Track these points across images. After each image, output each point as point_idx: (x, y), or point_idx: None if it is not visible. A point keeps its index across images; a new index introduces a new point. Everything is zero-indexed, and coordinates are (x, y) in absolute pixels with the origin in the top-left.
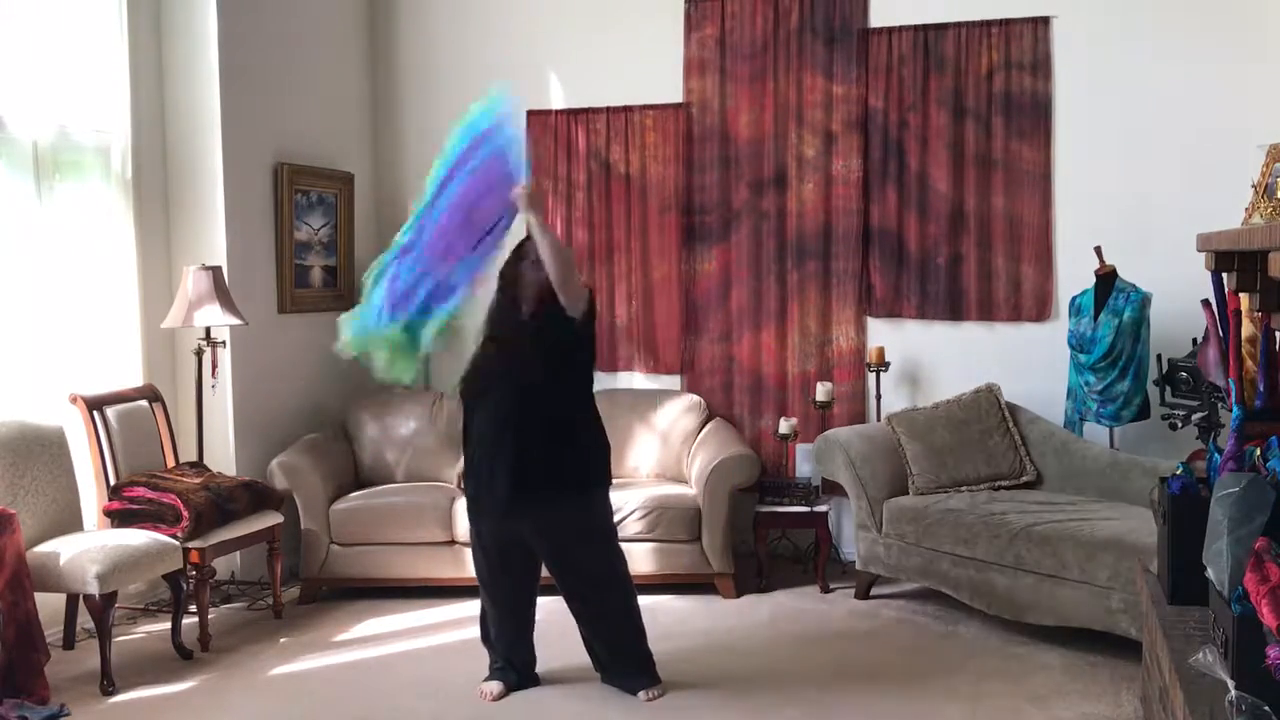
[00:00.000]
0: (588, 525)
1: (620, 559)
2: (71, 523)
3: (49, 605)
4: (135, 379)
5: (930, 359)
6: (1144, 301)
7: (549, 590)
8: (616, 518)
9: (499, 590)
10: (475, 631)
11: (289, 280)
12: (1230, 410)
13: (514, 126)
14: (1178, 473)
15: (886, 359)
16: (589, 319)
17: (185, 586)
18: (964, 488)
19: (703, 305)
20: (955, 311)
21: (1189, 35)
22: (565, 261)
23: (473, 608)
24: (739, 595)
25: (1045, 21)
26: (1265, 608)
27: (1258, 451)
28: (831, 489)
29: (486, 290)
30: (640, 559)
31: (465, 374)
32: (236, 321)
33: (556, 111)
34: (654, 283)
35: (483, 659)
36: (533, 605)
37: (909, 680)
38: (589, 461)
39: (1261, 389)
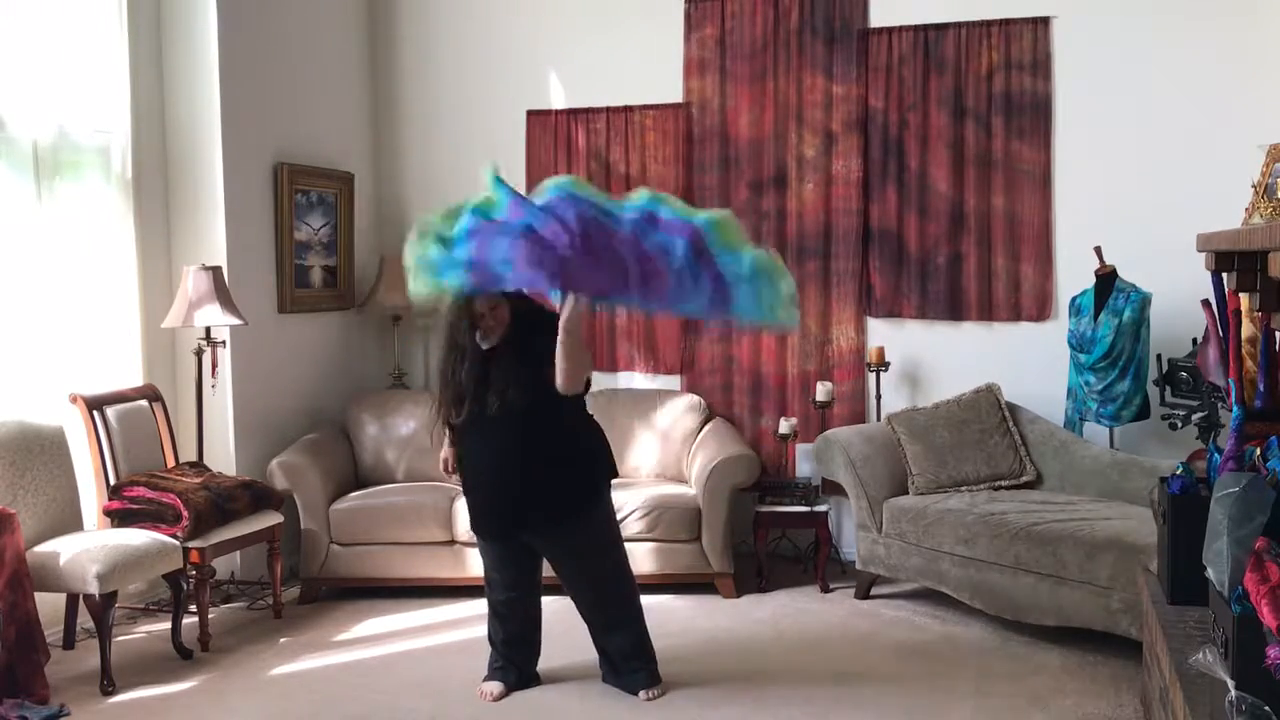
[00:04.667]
0: (595, 531)
1: (625, 559)
2: (71, 523)
3: (49, 605)
4: (135, 379)
5: (930, 359)
6: (1144, 301)
7: (550, 590)
8: (617, 518)
9: (506, 591)
10: (475, 631)
11: (289, 280)
12: (1230, 410)
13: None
14: (1178, 473)
15: (886, 359)
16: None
17: (185, 586)
18: (964, 488)
19: None
20: (955, 311)
21: (1189, 35)
22: (579, 369)
23: (472, 607)
24: (739, 595)
25: (1045, 21)
26: (1265, 608)
27: (1258, 451)
28: (831, 489)
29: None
30: (640, 559)
31: (455, 418)
32: (236, 321)
33: (556, 111)
34: None
35: (483, 659)
36: (538, 604)
37: (909, 680)
38: (592, 472)
39: (1261, 389)
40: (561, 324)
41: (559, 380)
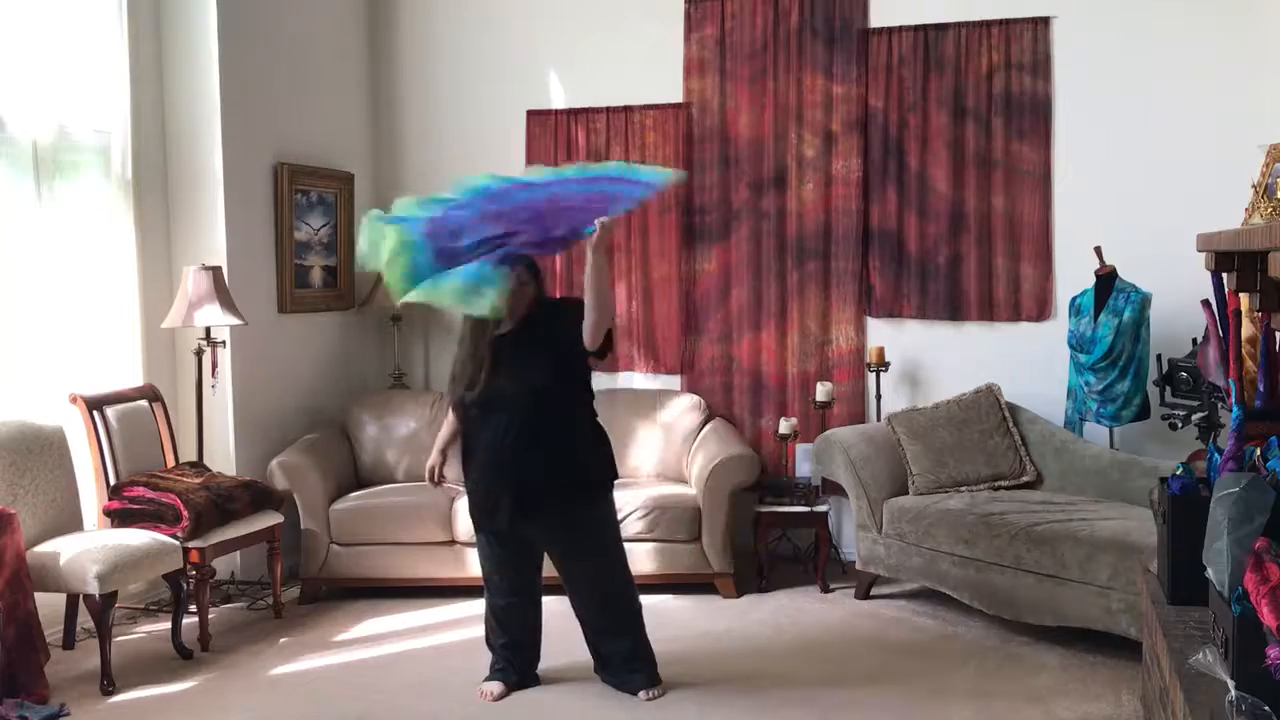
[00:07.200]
0: (596, 528)
1: (624, 558)
2: (71, 523)
3: (49, 605)
4: (135, 379)
5: (930, 359)
6: (1144, 301)
7: (550, 590)
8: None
9: (507, 596)
10: (475, 631)
11: (289, 280)
12: (1230, 410)
13: (650, 190)
14: (1178, 473)
15: (886, 359)
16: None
17: (185, 586)
18: (964, 488)
19: (703, 305)
20: (955, 311)
21: (1189, 35)
22: (606, 310)
23: (472, 608)
24: (739, 595)
25: (1045, 21)
26: (1265, 608)
27: (1258, 451)
28: (831, 489)
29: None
30: (640, 559)
31: (467, 396)
32: (236, 321)
33: (556, 111)
34: (654, 283)
35: (483, 659)
36: (538, 609)
37: (909, 680)
38: (596, 469)
39: (1261, 389)
40: (592, 245)
41: (586, 320)
